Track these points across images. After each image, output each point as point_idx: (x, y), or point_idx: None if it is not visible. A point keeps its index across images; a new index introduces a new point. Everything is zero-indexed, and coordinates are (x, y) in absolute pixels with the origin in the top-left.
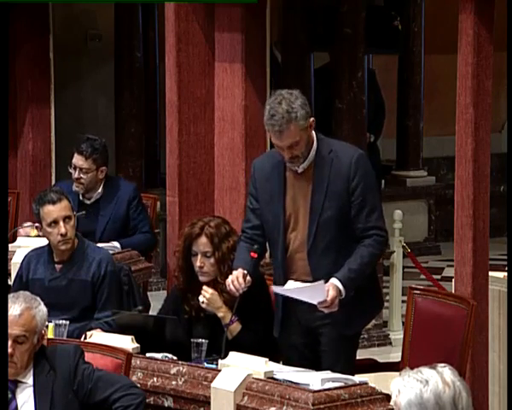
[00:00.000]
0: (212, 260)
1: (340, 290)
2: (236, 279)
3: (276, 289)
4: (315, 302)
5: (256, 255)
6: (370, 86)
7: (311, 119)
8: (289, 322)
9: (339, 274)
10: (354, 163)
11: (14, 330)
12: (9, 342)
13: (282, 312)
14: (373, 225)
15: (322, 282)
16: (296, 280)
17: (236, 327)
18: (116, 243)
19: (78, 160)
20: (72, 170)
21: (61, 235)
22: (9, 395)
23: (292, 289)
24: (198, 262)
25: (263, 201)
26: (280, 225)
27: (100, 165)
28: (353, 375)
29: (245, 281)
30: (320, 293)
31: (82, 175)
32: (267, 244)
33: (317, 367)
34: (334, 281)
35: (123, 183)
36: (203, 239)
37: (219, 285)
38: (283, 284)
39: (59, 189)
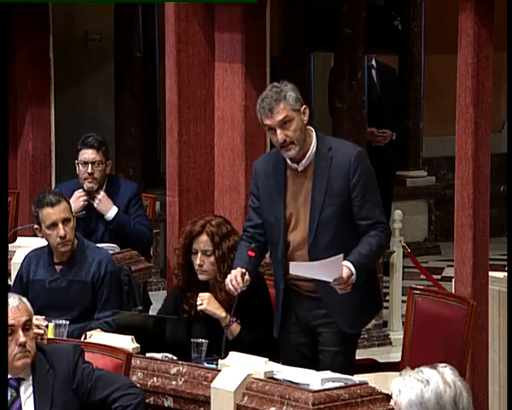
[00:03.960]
0: (211, 258)
1: (352, 272)
2: (235, 278)
3: (293, 268)
4: (330, 279)
5: (254, 254)
6: (391, 85)
7: (304, 106)
8: (289, 322)
9: (350, 257)
10: (353, 161)
11: (21, 317)
12: (20, 333)
13: (282, 311)
14: (376, 220)
15: (340, 256)
16: (295, 278)
17: (236, 327)
18: (116, 246)
19: (89, 154)
20: (81, 168)
21: (61, 237)
22: (14, 394)
23: (309, 264)
24: (198, 260)
25: (264, 200)
26: (280, 225)
27: (107, 158)
28: (353, 375)
29: (243, 280)
30: (337, 268)
31: (95, 168)
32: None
33: (317, 367)
34: (346, 263)
35: (124, 182)
36: (204, 237)
37: (218, 284)
38: (283, 282)
39: (58, 190)
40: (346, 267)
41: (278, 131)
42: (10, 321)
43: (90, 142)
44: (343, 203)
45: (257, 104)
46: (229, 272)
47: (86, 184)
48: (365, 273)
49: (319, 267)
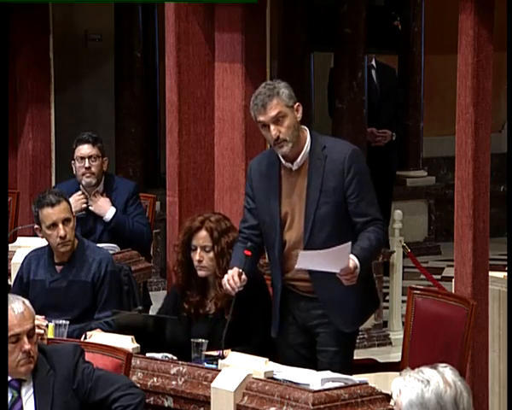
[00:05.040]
0: (211, 254)
1: (357, 265)
2: (232, 278)
3: (300, 260)
4: (337, 270)
5: (250, 253)
6: (391, 85)
7: (297, 103)
8: (286, 322)
9: (353, 251)
10: (348, 159)
11: (26, 325)
12: (25, 340)
13: (279, 312)
14: (372, 217)
15: (349, 244)
16: (292, 278)
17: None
18: (116, 246)
19: (85, 149)
20: (78, 164)
21: (61, 237)
22: (16, 395)
23: (317, 253)
24: (197, 256)
25: (259, 200)
26: (276, 224)
27: (103, 154)
28: (351, 374)
29: (240, 280)
30: (344, 257)
31: (92, 163)
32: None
33: (315, 367)
34: (350, 256)
35: (122, 181)
36: (203, 233)
37: (218, 280)
38: (280, 282)
39: (58, 190)
40: (351, 259)
41: (271, 127)
42: (16, 329)
43: (85, 138)
44: (338, 201)
45: (251, 102)
46: (229, 269)
47: (84, 180)
48: (367, 266)
49: (327, 256)
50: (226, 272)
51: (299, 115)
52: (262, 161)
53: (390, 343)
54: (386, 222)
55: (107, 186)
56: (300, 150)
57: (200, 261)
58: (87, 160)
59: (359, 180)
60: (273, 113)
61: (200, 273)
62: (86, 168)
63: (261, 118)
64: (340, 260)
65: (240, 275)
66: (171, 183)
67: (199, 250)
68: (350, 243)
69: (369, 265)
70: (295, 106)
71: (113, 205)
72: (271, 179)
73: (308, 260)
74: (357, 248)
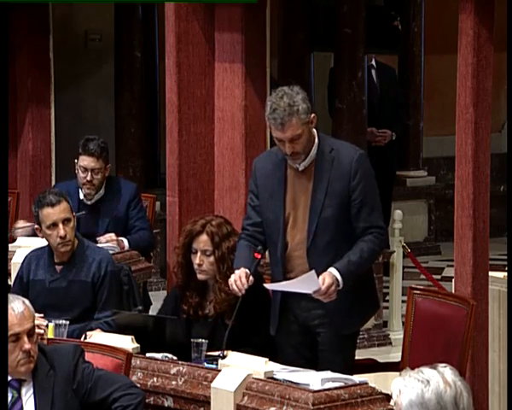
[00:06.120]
0: (211, 258)
1: (337, 279)
2: (239, 279)
3: (269, 286)
4: (310, 292)
5: (260, 256)
6: (391, 85)
7: (312, 115)
8: (287, 321)
9: (338, 264)
10: (355, 163)
11: (26, 324)
12: (25, 339)
13: (279, 311)
14: (373, 224)
15: (312, 272)
16: (294, 277)
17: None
18: (125, 241)
19: (89, 161)
20: (80, 173)
21: (61, 237)
22: (16, 395)
23: (284, 283)
24: (197, 260)
25: (263, 199)
26: (279, 224)
27: (107, 163)
28: (352, 374)
29: (248, 281)
30: (313, 282)
31: (94, 176)
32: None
33: (315, 366)
34: (331, 270)
35: (124, 183)
36: (204, 237)
37: (218, 284)
38: (282, 281)
39: (58, 190)
40: (329, 275)
41: (287, 145)
42: (16, 328)
43: (91, 149)
44: (342, 205)
45: (266, 110)
46: (229, 273)
47: (84, 190)
48: (353, 279)
49: (294, 284)
50: (226, 277)
51: (313, 125)
52: (267, 160)
53: (390, 343)
54: (386, 222)
55: (110, 189)
56: (308, 152)
57: (200, 265)
58: (90, 172)
59: (365, 185)
60: (291, 133)
61: (200, 277)
62: (88, 181)
63: (278, 134)
64: (308, 284)
65: (247, 277)
66: (171, 183)
67: (199, 254)
68: (313, 271)
69: (370, 268)
70: (311, 118)
71: (115, 207)
72: (277, 178)
73: (278, 287)
74: (345, 261)
